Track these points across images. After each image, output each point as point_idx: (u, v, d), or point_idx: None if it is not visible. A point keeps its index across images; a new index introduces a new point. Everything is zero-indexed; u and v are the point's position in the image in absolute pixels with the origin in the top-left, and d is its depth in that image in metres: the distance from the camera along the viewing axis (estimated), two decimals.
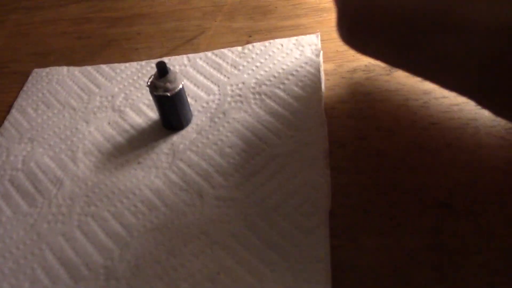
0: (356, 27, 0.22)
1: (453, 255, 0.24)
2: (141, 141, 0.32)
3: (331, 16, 0.22)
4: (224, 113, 0.32)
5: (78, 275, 0.26)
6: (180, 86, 0.30)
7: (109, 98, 0.35)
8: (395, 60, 0.23)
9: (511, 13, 0.17)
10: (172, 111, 0.31)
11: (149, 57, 0.38)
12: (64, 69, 0.38)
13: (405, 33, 0.20)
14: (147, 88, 0.30)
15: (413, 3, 0.19)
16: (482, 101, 0.21)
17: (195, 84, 0.34)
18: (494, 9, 0.17)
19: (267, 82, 0.33)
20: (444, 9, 0.18)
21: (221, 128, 0.31)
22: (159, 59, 0.37)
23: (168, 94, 0.29)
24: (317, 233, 0.25)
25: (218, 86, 0.34)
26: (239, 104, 0.32)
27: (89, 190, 0.29)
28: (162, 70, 0.29)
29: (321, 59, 0.34)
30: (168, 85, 0.30)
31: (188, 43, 0.38)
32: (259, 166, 0.29)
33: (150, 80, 0.30)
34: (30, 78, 0.38)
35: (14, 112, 0.35)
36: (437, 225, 0.25)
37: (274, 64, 0.34)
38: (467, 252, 0.24)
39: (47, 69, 0.38)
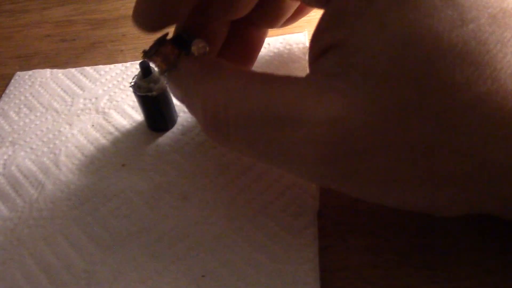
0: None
1: (445, 255, 0.23)
2: (126, 143, 0.31)
3: (319, 15, 0.23)
4: None
5: (58, 280, 0.25)
6: (165, 86, 0.29)
7: (93, 100, 0.34)
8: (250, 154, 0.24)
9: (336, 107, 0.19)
10: (156, 112, 0.30)
11: (135, 58, 0.38)
12: (48, 71, 0.37)
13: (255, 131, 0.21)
14: (132, 89, 0.29)
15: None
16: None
17: None
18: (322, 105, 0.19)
19: None
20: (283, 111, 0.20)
21: None
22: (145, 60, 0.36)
23: (152, 94, 0.29)
24: (305, 234, 0.25)
25: None
26: None
27: (71, 194, 0.29)
28: (146, 70, 0.29)
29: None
30: (152, 85, 0.29)
31: None
32: (245, 167, 0.28)
33: (133, 80, 0.29)
34: (12, 81, 0.37)
35: None
36: (428, 224, 0.25)
37: (261, 63, 0.33)
38: (459, 251, 0.24)
39: (30, 72, 0.37)
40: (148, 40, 0.38)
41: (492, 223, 0.24)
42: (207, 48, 0.26)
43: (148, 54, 0.25)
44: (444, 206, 0.20)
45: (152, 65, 0.27)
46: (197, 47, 0.25)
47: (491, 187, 0.19)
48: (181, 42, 0.25)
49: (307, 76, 0.21)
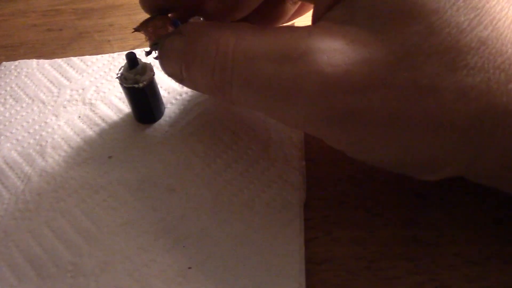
0: None
1: (428, 247, 0.24)
2: (113, 134, 0.31)
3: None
4: (198, 105, 0.31)
5: (45, 272, 0.25)
6: (152, 78, 0.29)
7: (80, 91, 0.34)
8: None
9: None
10: (143, 103, 0.30)
11: (122, 49, 0.37)
12: (34, 62, 0.37)
13: None
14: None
15: None
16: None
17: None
18: None
19: None
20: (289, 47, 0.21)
21: (194, 121, 0.30)
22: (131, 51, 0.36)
23: (138, 86, 0.29)
24: (291, 227, 0.25)
25: None
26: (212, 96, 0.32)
27: (57, 186, 0.28)
28: (132, 61, 0.29)
29: None
30: (139, 76, 0.29)
31: None
32: (232, 160, 0.28)
33: (120, 72, 0.29)
34: None
35: None
36: (412, 216, 0.25)
37: None
38: (443, 243, 0.24)
39: (16, 62, 0.37)
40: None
41: (475, 216, 0.25)
42: None
43: (143, 26, 0.26)
44: (441, 160, 0.20)
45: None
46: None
47: (492, 136, 0.19)
48: (178, 19, 0.26)
49: (313, 24, 0.22)
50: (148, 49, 0.26)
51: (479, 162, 0.20)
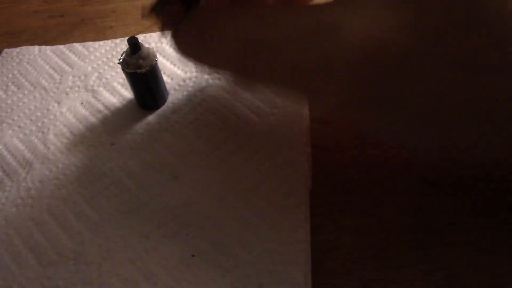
0: None
1: (438, 234, 0.23)
2: (115, 121, 0.30)
3: None
4: (201, 91, 0.31)
5: (46, 260, 0.24)
6: (154, 63, 0.28)
7: (82, 77, 0.33)
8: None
9: None
10: (146, 89, 0.29)
11: (125, 35, 0.37)
12: (36, 48, 0.36)
13: None
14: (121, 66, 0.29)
15: None
16: None
17: (171, 62, 0.33)
18: None
19: None
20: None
21: (198, 107, 0.30)
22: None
23: (141, 71, 0.28)
24: (296, 214, 0.24)
25: None
26: (217, 81, 0.31)
27: (59, 173, 0.28)
28: (134, 46, 0.28)
29: None
30: (141, 62, 0.28)
31: None
32: (237, 146, 0.28)
33: (122, 57, 0.29)
34: (0, 58, 0.36)
35: None
36: (421, 203, 0.24)
37: None
38: (453, 231, 0.23)
39: (18, 49, 0.36)
40: (138, 16, 0.38)
41: (487, 203, 0.24)
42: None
43: (159, 12, 0.25)
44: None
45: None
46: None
47: None
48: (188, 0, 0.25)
49: None
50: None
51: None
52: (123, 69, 0.28)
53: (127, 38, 0.35)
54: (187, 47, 0.25)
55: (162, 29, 0.26)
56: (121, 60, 0.28)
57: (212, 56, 0.24)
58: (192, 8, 0.25)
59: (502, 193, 0.24)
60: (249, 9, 0.22)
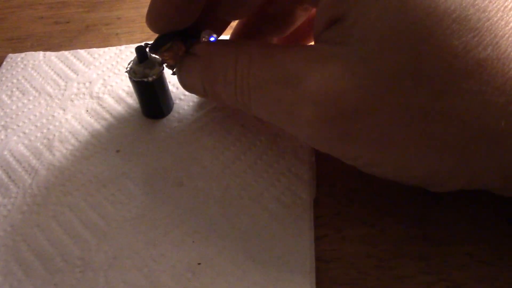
0: None
1: (439, 245, 0.24)
2: (120, 129, 0.31)
3: None
4: (206, 102, 0.31)
5: (53, 267, 0.25)
6: (161, 72, 0.29)
7: (87, 84, 0.34)
8: None
9: None
10: (152, 98, 0.30)
11: (130, 42, 0.37)
12: (40, 54, 0.37)
13: None
14: (127, 74, 0.29)
15: None
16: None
17: None
18: None
19: None
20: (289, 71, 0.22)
21: (203, 117, 0.30)
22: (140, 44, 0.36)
23: (148, 80, 0.28)
24: (300, 223, 0.25)
25: None
26: None
27: (65, 179, 0.28)
28: (142, 55, 0.28)
29: None
30: (148, 70, 0.28)
31: None
32: (240, 152, 0.28)
33: (129, 65, 0.29)
34: (4, 63, 0.36)
35: None
36: (423, 214, 0.25)
37: None
38: (454, 242, 0.24)
39: (23, 54, 0.37)
40: (143, 23, 0.38)
41: (488, 215, 0.24)
42: (216, 37, 0.27)
43: (158, 51, 0.26)
44: (441, 177, 0.20)
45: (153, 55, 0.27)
46: (206, 38, 0.26)
47: (490, 156, 0.19)
48: (188, 35, 0.26)
49: (313, 45, 0.22)
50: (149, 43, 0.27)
51: (481, 177, 0.20)
52: (130, 78, 0.29)
53: (132, 45, 0.36)
54: (191, 83, 0.26)
55: (162, 64, 0.28)
56: (128, 69, 0.29)
57: (215, 93, 0.25)
58: (194, 44, 0.25)
59: (503, 205, 0.24)
60: (249, 49, 0.23)
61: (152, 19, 0.26)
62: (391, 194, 0.26)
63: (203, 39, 0.27)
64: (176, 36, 0.26)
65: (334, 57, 0.20)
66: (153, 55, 0.28)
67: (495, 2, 0.18)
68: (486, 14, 0.17)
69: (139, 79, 0.28)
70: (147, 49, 0.27)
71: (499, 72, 0.17)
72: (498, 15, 0.18)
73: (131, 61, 0.29)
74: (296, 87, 0.21)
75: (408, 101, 0.18)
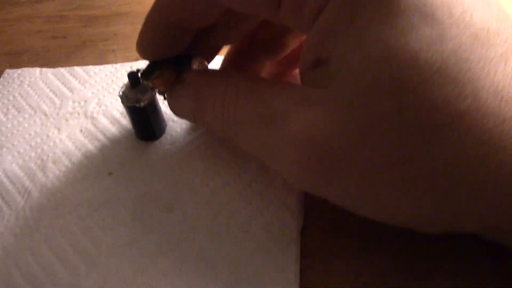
0: None
1: (425, 279, 0.24)
2: (114, 150, 0.31)
3: None
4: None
5: None
6: (153, 97, 0.29)
7: (82, 103, 0.34)
8: None
9: None
10: (144, 122, 0.30)
11: (126, 59, 0.37)
12: (37, 70, 0.37)
13: None
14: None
15: None
16: None
17: None
18: None
19: None
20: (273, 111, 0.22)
21: (195, 141, 0.31)
22: (135, 62, 0.36)
23: (139, 105, 0.29)
24: (287, 254, 0.25)
25: None
26: None
27: (57, 202, 0.29)
28: (134, 81, 0.29)
29: None
30: (140, 95, 0.29)
31: None
32: (230, 178, 0.29)
33: (122, 90, 0.29)
34: (1, 79, 0.37)
35: None
36: (409, 246, 0.25)
37: None
38: (438, 276, 0.24)
39: (19, 70, 0.37)
40: None
41: (474, 249, 0.24)
42: (207, 65, 0.27)
43: (150, 77, 0.26)
44: (421, 221, 0.21)
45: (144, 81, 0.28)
46: (198, 65, 0.26)
47: (469, 204, 0.19)
48: (179, 62, 0.26)
49: (298, 84, 0.23)
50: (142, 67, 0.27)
51: (461, 223, 0.20)
52: (122, 102, 0.29)
53: (128, 63, 0.36)
54: (180, 110, 0.27)
55: (153, 89, 0.28)
56: (120, 93, 0.29)
57: (204, 121, 0.26)
58: (185, 71, 0.26)
59: (487, 241, 0.24)
60: (238, 81, 0.24)
61: (143, 47, 0.26)
62: (378, 226, 0.26)
63: (194, 66, 0.27)
64: (167, 63, 0.26)
65: (317, 101, 0.20)
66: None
67: (477, 52, 0.18)
68: (468, 64, 0.18)
69: (131, 105, 0.29)
70: (139, 74, 0.27)
71: (478, 123, 0.17)
72: (480, 65, 0.18)
73: (123, 85, 0.29)
74: (280, 127, 0.21)
75: (389, 149, 0.19)
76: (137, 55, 0.36)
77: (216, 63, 0.30)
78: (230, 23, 0.26)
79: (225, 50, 0.30)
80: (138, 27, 0.39)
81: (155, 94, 0.29)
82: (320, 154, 0.20)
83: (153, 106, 0.30)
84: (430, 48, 0.18)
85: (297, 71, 0.33)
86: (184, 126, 0.32)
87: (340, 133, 0.19)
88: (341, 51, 0.19)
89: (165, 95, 0.28)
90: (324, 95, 0.20)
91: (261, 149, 0.23)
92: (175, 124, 0.32)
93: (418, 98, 0.18)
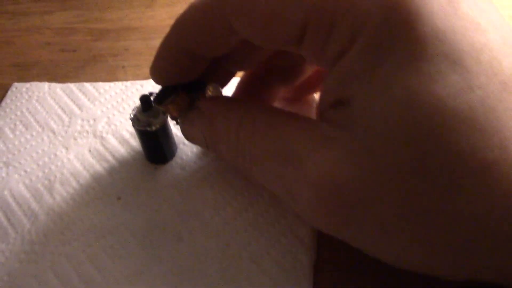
0: None
1: None
2: (123, 173, 0.30)
3: None
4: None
5: None
6: (164, 121, 0.28)
7: (91, 121, 0.33)
8: None
9: None
10: (155, 145, 0.29)
11: (136, 76, 0.37)
12: (46, 85, 0.36)
13: None
14: (131, 114, 0.29)
15: None
16: None
17: None
18: None
19: None
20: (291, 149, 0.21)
21: (206, 166, 0.30)
22: (146, 81, 0.35)
23: (151, 129, 0.28)
24: None
25: None
26: None
27: (64, 227, 0.28)
28: (146, 104, 0.28)
29: None
30: (152, 119, 0.28)
31: None
32: (242, 208, 0.28)
33: (133, 112, 0.29)
34: (9, 93, 0.36)
35: None
36: (421, 286, 0.24)
37: None
38: None
39: (28, 85, 0.36)
40: (150, 56, 0.37)
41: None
42: (221, 90, 0.26)
43: (162, 103, 0.25)
44: (441, 270, 0.20)
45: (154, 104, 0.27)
46: (211, 90, 0.25)
47: (491, 256, 0.18)
48: (193, 87, 0.25)
49: (317, 121, 0.22)
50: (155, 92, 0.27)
51: (482, 274, 0.19)
52: (133, 125, 0.28)
53: (138, 81, 0.35)
54: (193, 137, 0.26)
55: (165, 113, 0.28)
56: (132, 116, 0.28)
57: (217, 151, 0.25)
58: (199, 97, 0.25)
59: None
60: (253, 114, 0.23)
61: (157, 73, 0.25)
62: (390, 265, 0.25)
63: (209, 91, 0.26)
64: (180, 89, 0.26)
65: (338, 142, 0.19)
66: None
67: (506, 101, 0.17)
68: (495, 113, 0.17)
69: (143, 128, 0.28)
70: (151, 98, 0.27)
71: (505, 175, 0.17)
72: (508, 114, 0.17)
73: (135, 107, 0.29)
74: (298, 166, 0.20)
75: (411, 197, 0.18)
76: (147, 72, 0.36)
77: (230, 86, 0.29)
78: (246, 51, 0.26)
79: (240, 72, 0.30)
80: (149, 43, 0.39)
81: (167, 118, 0.29)
82: (340, 198, 0.19)
83: (165, 130, 0.29)
84: (458, 96, 0.17)
85: (311, 96, 0.32)
86: (195, 149, 0.31)
87: (360, 178, 0.19)
88: (365, 94, 0.19)
89: (178, 120, 0.27)
90: (345, 137, 0.19)
91: (276, 186, 0.23)
92: (186, 147, 0.31)
93: (444, 147, 0.17)
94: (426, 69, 0.18)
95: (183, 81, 0.26)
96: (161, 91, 0.26)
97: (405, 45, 0.18)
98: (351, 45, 0.19)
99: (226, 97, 0.26)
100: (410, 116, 0.17)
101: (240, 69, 0.28)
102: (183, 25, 0.23)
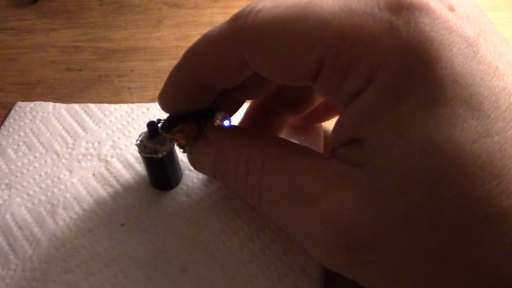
0: None
1: None
2: (127, 199, 0.30)
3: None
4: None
5: None
6: (171, 148, 0.28)
7: (96, 144, 0.33)
8: None
9: None
10: (161, 172, 0.29)
11: (142, 98, 0.36)
12: (50, 105, 0.36)
13: None
14: (137, 136, 0.28)
15: None
16: None
17: None
18: None
19: None
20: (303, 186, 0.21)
21: (212, 194, 0.29)
22: (152, 103, 0.35)
23: (157, 156, 0.28)
24: None
25: None
26: None
27: (67, 254, 0.27)
28: (153, 131, 0.28)
29: None
30: (158, 146, 0.28)
31: None
32: (248, 239, 0.27)
33: (139, 139, 0.28)
34: (12, 112, 0.36)
35: None
36: None
37: None
38: None
39: (32, 104, 0.36)
40: (156, 78, 0.37)
41: None
42: (230, 119, 0.26)
43: (170, 131, 0.25)
44: None
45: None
46: (220, 119, 0.25)
47: None
48: (201, 116, 0.25)
49: (329, 159, 0.21)
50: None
51: None
52: (139, 152, 0.28)
53: (144, 103, 0.35)
54: (201, 166, 0.26)
55: (171, 140, 0.27)
56: (138, 142, 0.28)
57: (225, 182, 0.25)
58: (207, 126, 0.25)
59: None
60: (263, 147, 0.23)
61: (166, 101, 0.25)
62: None
63: (217, 120, 0.26)
64: (188, 117, 0.25)
65: (351, 181, 0.19)
66: None
67: None
68: None
69: (149, 155, 0.28)
70: (159, 126, 0.27)
71: None
72: None
73: (141, 134, 0.28)
74: (309, 204, 0.20)
75: (424, 241, 0.18)
76: (153, 95, 0.36)
77: (238, 112, 0.29)
78: (257, 82, 0.25)
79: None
80: (156, 64, 0.39)
81: (174, 145, 0.28)
82: (352, 239, 0.19)
83: (171, 157, 0.29)
84: (475, 142, 0.17)
85: (319, 125, 0.32)
86: (200, 176, 0.31)
87: (374, 220, 0.18)
88: (381, 135, 0.18)
89: (185, 148, 0.27)
90: (358, 176, 0.19)
91: (286, 222, 0.22)
92: (191, 173, 0.31)
93: (459, 192, 0.17)
94: (443, 113, 0.17)
95: (191, 111, 0.25)
96: (168, 119, 0.26)
97: (424, 87, 0.18)
98: (368, 84, 0.19)
99: (235, 127, 0.26)
100: (427, 160, 0.17)
101: (249, 99, 0.28)
102: (196, 56, 0.23)
